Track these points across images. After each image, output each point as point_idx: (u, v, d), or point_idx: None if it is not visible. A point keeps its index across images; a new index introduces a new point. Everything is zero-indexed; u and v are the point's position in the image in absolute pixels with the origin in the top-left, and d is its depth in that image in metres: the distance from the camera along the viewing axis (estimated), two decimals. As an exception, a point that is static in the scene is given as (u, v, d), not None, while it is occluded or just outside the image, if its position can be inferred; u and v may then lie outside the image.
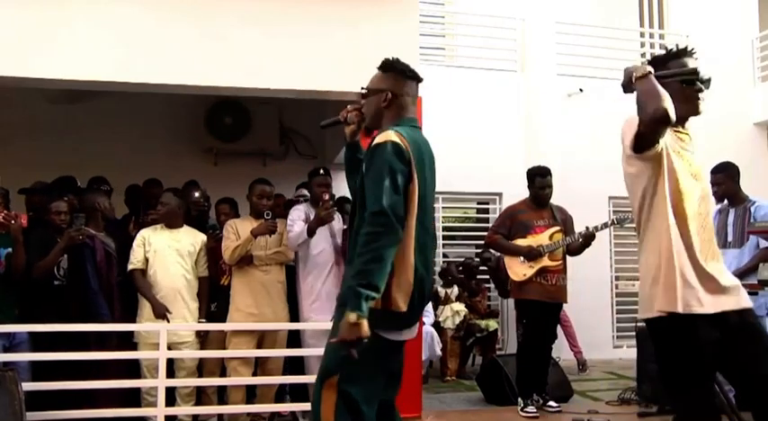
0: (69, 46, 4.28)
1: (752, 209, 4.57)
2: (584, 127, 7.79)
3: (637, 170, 2.37)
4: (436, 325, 6.48)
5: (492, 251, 6.71)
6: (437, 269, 7.22)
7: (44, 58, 4.24)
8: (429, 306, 6.36)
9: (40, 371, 3.94)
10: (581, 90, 8.08)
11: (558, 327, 5.45)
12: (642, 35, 9.13)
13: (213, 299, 4.56)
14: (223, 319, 4.43)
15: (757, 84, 8.71)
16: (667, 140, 2.33)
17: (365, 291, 2.10)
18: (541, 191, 4.93)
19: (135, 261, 4.33)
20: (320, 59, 4.55)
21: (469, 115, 7.80)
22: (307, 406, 4.36)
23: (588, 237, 4.77)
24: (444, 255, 8.01)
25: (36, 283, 4.05)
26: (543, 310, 4.80)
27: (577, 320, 6.96)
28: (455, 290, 6.78)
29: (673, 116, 2.20)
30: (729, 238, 4.61)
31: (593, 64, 8.18)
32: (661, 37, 8.93)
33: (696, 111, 2.42)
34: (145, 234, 4.40)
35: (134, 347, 4.31)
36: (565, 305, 5.18)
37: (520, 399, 4.78)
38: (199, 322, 4.37)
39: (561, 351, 6.58)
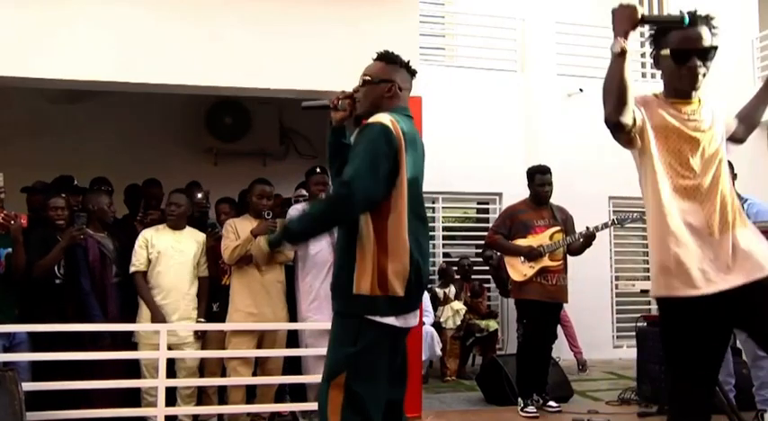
0: (69, 46, 4.28)
1: (744, 206, 4.56)
2: (584, 127, 7.77)
3: (635, 157, 2.36)
4: (436, 325, 6.48)
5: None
6: (435, 269, 7.24)
7: (44, 58, 4.24)
8: (429, 306, 6.37)
9: (40, 371, 3.94)
10: (581, 90, 8.08)
11: (558, 327, 5.45)
12: (642, 35, 9.11)
13: (215, 299, 4.55)
14: (225, 320, 4.43)
15: (757, 84, 8.68)
16: (655, 121, 2.28)
17: (289, 237, 2.32)
18: (541, 188, 4.93)
19: (137, 263, 4.29)
20: (320, 59, 4.55)
21: (469, 115, 7.80)
22: (306, 406, 4.40)
23: (589, 237, 4.77)
24: (446, 255, 8.01)
25: (36, 283, 4.04)
26: (543, 310, 4.80)
27: (577, 320, 6.96)
28: (452, 289, 6.78)
29: (625, 122, 2.17)
30: None
31: (593, 64, 8.15)
32: (661, 37, 8.91)
33: (693, 86, 2.30)
34: (147, 235, 4.37)
35: (134, 347, 4.30)
36: (565, 305, 5.19)
37: (520, 399, 4.77)
38: (197, 322, 4.37)
39: (561, 351, 6.58)
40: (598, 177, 7.46)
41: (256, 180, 4.59)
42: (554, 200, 5.05)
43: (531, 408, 4.70)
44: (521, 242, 4.87)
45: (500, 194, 7.88)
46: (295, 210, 4.54)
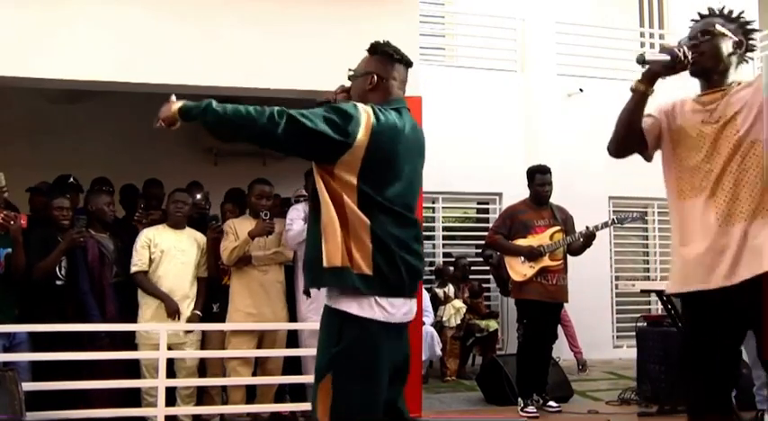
0: (69, 46, 4.28)
1: None
2: (584, 127, 7.78)
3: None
4: (437, 324, 6.48)
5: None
6: (433, 269, 7.24)
7: (44, 58, 4.23)
8: (429, 306, 6.37)
9: (40, 371, 3.94)
10: (581, 90, 8.08)
11: (559, 327, 5.45)
12: (642, 35, 9.13)
13: (215, 299, 4.54)
14: (225, 320, 4.42)
15: (757, 84, 8.69)
16: (674, 124, 2.41)
17: (203, 112, 2.25)
18: (541, 188, 4.93)
19: (139, 263, 4.26)
20: (320, 59, 4.54)
21: (469, 115, 7.80)
22: (306, 406, 4.38)
23: (589, 237, 4.78)
24: (447, 255, 8.01)
25: (36, 283, 4.04)
26: (543, 310, 4.80)
27: (577, 320, 6.95)
28: (451, 288, 6.78)
29: (621, 157, 2.44)
30: None
31: (593, 64, 8.19)
32: (661, 37, 8.92)
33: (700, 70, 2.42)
34: (149, 234, 4.35)
35: (134, 347, 4.29)
36: (565, 305, 5.19)
37: (520, 399, 4.78)
38: (193, 314, 4.32)
39: (561, 351, 6.58)
40: (598, 177, 7.45)
41: (256, 180, 4.60)
42: (554, 200, 5.05)
43: (531, 408, 4.70)
44: (521, 242, 4.87)
45: (500, 194, 7.88)
46: (295, 211, 4.54)
